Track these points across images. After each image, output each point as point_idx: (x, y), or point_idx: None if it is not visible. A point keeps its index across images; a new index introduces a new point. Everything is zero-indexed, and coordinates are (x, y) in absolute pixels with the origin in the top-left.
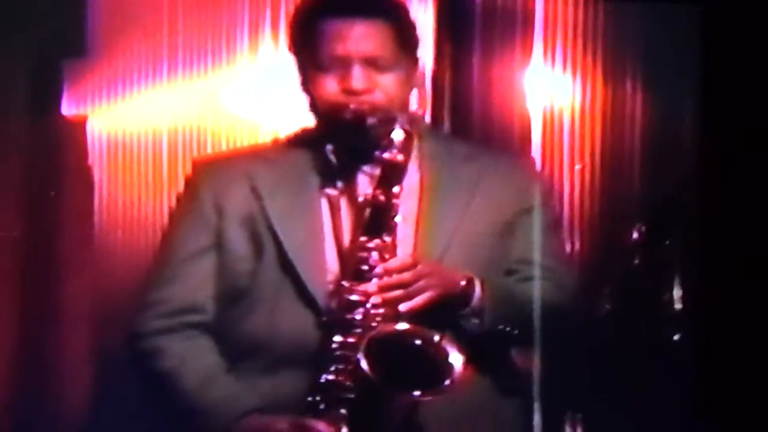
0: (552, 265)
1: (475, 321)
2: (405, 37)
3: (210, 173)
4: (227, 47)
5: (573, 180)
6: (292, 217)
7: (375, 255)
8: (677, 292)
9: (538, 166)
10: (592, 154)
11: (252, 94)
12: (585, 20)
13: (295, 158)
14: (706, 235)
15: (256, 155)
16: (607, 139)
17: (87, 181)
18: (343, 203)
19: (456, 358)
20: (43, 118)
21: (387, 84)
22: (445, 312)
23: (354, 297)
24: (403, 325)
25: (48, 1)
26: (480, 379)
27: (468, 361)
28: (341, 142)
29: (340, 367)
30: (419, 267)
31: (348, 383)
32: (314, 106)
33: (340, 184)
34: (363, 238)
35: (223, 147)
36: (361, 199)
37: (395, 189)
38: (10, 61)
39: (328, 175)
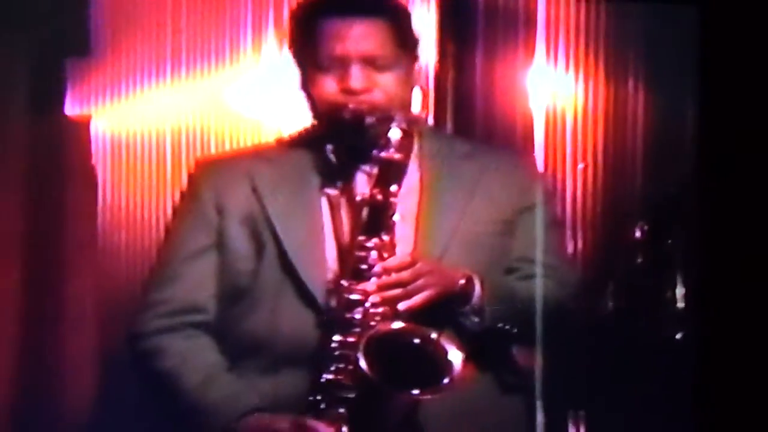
0: (553, 262)
1: (475, 319)
2: (404, 36)
3: (211, 173)
4: (230, 47)
5: (575, 179)
6: (293, 216)
7: (374, 254)
8: (679, 291)
9: (541, 165)
10: (595, 154)
11: (255, 94)
12: (587, 20)
13: (296, 158)
14: (708, 234)
15: (256, 155)
16: (609, 139)
17: (90, 181)
18: (343, 202)
19: (455, 356)
20: (46, 117)
21: (386, 83)
22: (445, 310)
23: (353, 296)
24: (400, 324)
25: (51, 0)
26: (481, 378)
27: (468, 359)
28: (341, 141)
29: (340, 366)
30: (418, 265)
31: (348, 382)
32: (314, 106)
33: (340, 183)
34: (361, 238)
35: (227, 147)
36: (359, 198)
37: (393, 188)
38: (12, 60)
39: (328, 175)
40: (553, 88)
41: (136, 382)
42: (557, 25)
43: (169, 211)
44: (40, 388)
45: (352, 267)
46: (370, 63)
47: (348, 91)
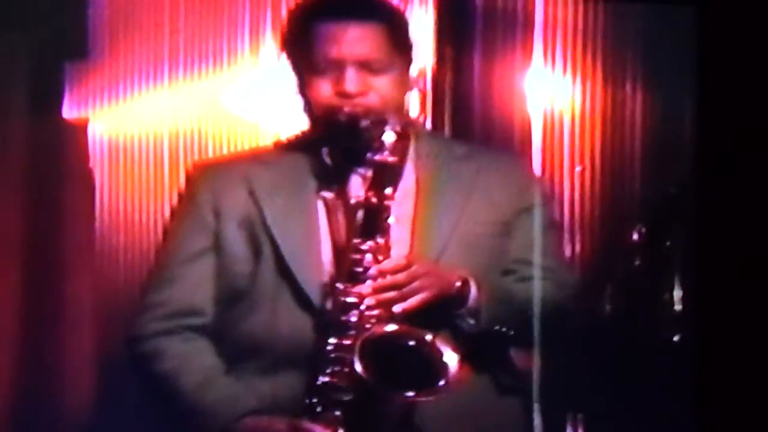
0: (550, 264)
1: (471, 321)
2: (399, 39)
3: (208, 177)
4: (228, 50)
5: (573, 182)
6: (289, 219)
7: (369, 257)
8: (677, 293)
9: (539, 168)
10: (593, 156)
11: (253, 97)
12: (585, 22)
13: (292, 161)
14: (706, 236)
15: (253, 158)
16: (607, 141)
17: (88, 184)
18: (339, 205)
19: (450, 358)
20: (44, 120)
21: (381, 86)
22: (442, 312)
23: (349, 299)
24: (393, 326)
25: (49, 2)
26: (478, 380)
27: (463, 361)
28: (336, 144)
29: (336, 369)
30: (413, 268)
31: (344, 385)
32: (309, 109)
33: (335, 186)
34: (356, 240)
35: (225, 150)
36: (353, 201)
37: (388, 191)
38: (10, 62)
39: (324, 178)
40: (550, 91)
41: (134, 384)
42: (555, 27)
43: (167, 214)
44: (38, 389)
45: (348, 270)
46: (365, 66)
47: (343, 95)
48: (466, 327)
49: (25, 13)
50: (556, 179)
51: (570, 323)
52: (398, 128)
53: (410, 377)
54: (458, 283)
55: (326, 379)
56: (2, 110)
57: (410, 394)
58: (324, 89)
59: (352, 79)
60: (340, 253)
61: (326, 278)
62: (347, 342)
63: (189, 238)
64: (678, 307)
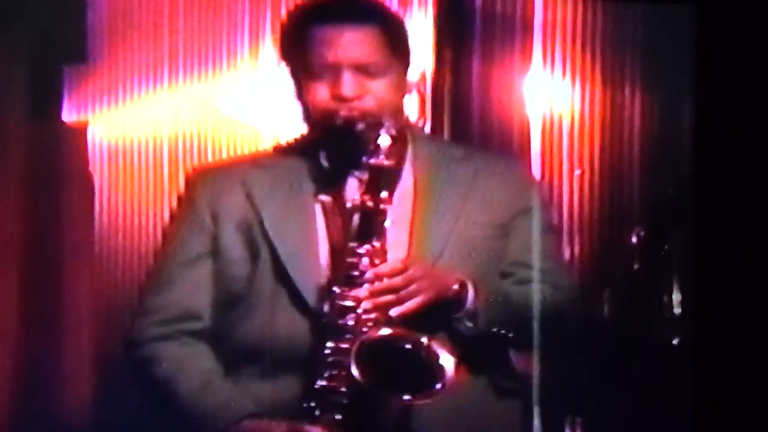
0: (548, 266)
1: (469, 324)
2: (396, 42)
3: (206, 180)
4: (228, 53)
5: (572, 185)
6: (286, 222)
7: (365, 260)
8: (676, 296)
9: (538, 171)
10: (591, 159)
11: (252, 100)
12: (584, 24)
13: (290, 164)
14: (705, 239)
15: (251, 162)
16: (606, 144)
17: (87, 187)
18: (336, 208)
19: (447, 361)
20: (43, 123)
21: (378, 90)
22: (439, 315)
23: (345, 302)
24: (389, 330)
25: (48, 6)
26: (476, 382)
27: (460, 364)
28: (333, 148)
29: (334, 372)
30: (410, 271)
31: (342, 389)
32: (306, 113)
33: (332, 189)
34: (352, 244)
35: (223, 152)
36: (349, 204)
37: (384, 194)
38: (10, 65)
39: (322, 181)
40: (549, 94)
41: (132, 386)
42: (554, 29)
43: (166, 217)
44: (37, 391)
45: (344, 273)
46: (362, 70)
47: (339, 98)
48: (463, 330)
49: (24, 17)
50: (555, 182)
51: (568, 326)
52: (394, 131)
53: (407, 380)
54: (456, 286)
55: (324, 382)
56: (2, 113)
57: (407, 397)
58: (321, 93)
59: (348, 83)
60: (337, 256)
61: (323, 281)
62: (344, 345)
63: (187, 241)
64: (677, 309)
